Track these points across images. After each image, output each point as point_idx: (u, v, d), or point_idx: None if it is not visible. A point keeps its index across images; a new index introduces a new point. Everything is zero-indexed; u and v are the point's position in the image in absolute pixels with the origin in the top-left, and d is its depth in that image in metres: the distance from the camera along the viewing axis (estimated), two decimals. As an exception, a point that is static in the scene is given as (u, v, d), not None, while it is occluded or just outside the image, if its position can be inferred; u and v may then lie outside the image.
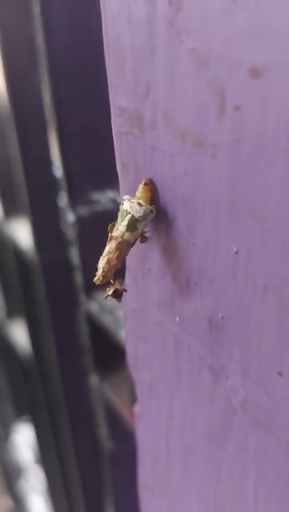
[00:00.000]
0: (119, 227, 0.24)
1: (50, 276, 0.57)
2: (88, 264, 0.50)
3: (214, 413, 0.25)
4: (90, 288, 0.50)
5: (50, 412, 0.75)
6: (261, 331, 0.21)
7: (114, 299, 0.24)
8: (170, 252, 0.25)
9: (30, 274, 0.63)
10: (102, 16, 0.24)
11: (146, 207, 0.24)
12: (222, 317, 0.23)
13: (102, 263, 0.24)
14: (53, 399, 0.71)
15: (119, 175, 0.27)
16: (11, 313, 0.90)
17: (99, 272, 0.24)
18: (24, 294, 0.70)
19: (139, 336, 0.30)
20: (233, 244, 0.21)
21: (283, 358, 0.20)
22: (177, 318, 0.26)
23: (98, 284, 0.24)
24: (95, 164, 0.47)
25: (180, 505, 0.32)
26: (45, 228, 0.55)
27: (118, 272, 0.24)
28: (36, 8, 0.42)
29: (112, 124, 0.26)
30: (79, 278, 0.51)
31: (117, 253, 0.24)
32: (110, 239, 0.24)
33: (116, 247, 0.24)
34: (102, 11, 0.24)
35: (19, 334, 0.83)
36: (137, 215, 0.24)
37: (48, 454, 0.86)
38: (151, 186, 0.24)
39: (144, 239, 0.25)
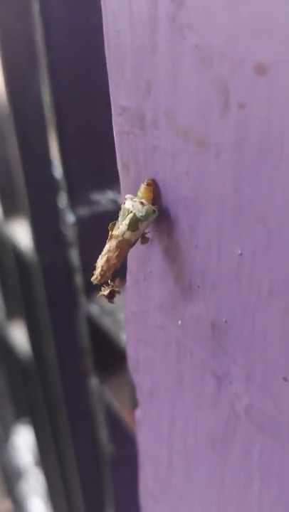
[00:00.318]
0: (120, 226, 0.23)
1: (50, 278, 0.57)
2: (88, 266, 0.49)
3: (217, 419, 0.25)
4: (90, 290, 0.50)
5: (49, 414, 0.75)
6: (266, 335, 0.20)
7: (106, 299, 0.24)
8: (172, 254, 0.24)
9: (30, 275, 0.63)
10: (103, 12, 0.24)
11: (148, 206, 0.23)
12: (226, 321, 0.22)
13: (100, 262, 0.23)
14: (53, 401, 0.70)
15: (120, 175, 0.27)
16: (10, 314, 0.89)
17: (97, 271, 0.23)
18: (24, 295, 0.70)
19: (140, 339, 0.30)
20: (237, 246, 0.20)
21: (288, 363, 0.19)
22: (179, 321, 0.26)
23: (96, 284, 0.24)
24: (95, 164, 0.47)
25: None
26: (45, 229, 0.55)
27: (117, 272, 0.24)
28: (36, 7, 0.42)
29: (113, 123, 0.25)
30: (79, 279, 0.51)
31: (116, 252, 0.23)
32: (110, 237, 0.23)
33: (116, 246, 0.23)
34: (102, 7, 0.24)
35: (19, 336, 0.83)
36: (138, 215, 0.23)
37: (47, 456, 0.85)
38: (154, 187, 0.24)
39: (145, 240, 0.24)
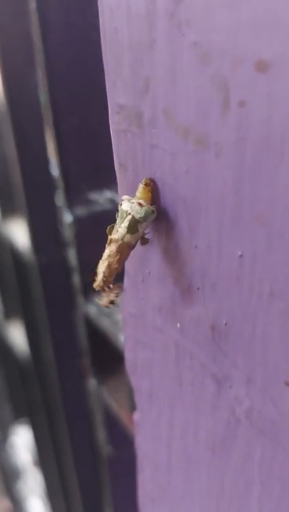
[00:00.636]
0: (119, 229, 0.23)
1: (47, 277, 0.57)
2: (86, 266, 0.49)
3: (217, 423, 0.24)
4: (88, 290, 0.49)
5: (48, 414, 0.74)
6: (267, 338, 0.20)
7: (105, 306, 0.23)
8: (171, 255, 0.24)
9: (28, 274, 0.62)
10: (99, 8, 0.23)
11: (147, 207, 0.23)
12: (226, 323, 0.22)
13: (102, 267, 0.23)
14: (51, 401, 0.70)
15: (118, 174, 0.26)
16: (8, 314, 0.89)
17: (99, 277, 0.23)
18: (21, 295, 0.70)
19: (139, 341, 0.29)
20: (237, 248, 0.20)
21: (290, 367, 0.19)
22: (178, 324, 0.25)
23: (98, 290, 0.23)
24: (92, 163, 0.46)
25: (181, 515, 0.31)
26: (43, 228, 0.54)
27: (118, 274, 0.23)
28: (32, 5, 0.41)
29: (110, 121, 0.25)
30: (76, 280, 0.50)
31: (117, 257, 0.23)
32: (110, 242, 0.23)
33: (116, 251, 0.23)
34: (98, 3, 0.23)
35: (17, 336, 0.82)
36: (137, 216, 0.22)
37: (46, 456, 0.85)
38: (152, 186, 0.23)
39: (144, 241, 0.24)
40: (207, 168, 0.20)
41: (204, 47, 0.18)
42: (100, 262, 0.23)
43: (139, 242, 0.24)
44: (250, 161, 0.18)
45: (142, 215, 0.22)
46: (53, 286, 0.57)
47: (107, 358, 0.51)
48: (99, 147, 0.46)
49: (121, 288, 0.23)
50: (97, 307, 0.48)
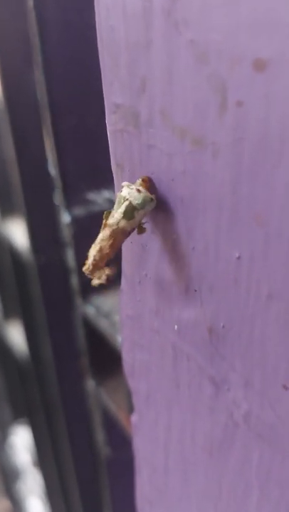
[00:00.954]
0: (115, 214, 0.22)
1: (46, 278, 0.56)
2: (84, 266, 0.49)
3: (215, 426, 0.24)
4: (86, 291, 0.49)
5: (47, 414, 0.74)
6: (265, 341, 0.20)
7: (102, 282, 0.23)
8: (168, 257, 0.24)
9: (26, 275, 0.62)
10: (96, 7, 0.23)
11: (145, 194, 0.22)
12: (223, 326, 0.22)
13: (93, 251, 0.22)
14: (50, 402, 0.70)
15: (114, 175, 0.26)
16: (7, 314, 0.89)
17: (89, 261, 0.22)
18: (20, 295, 0.69)
19: (136, 343, 0.29)
20: (235, 249, 0.20)
21: (288, 370, 0.19)
22: (176, 326, 0.25)
23: (88, 274, 0.22)
24: (90, 163, 0.46)
25: (179, 517, 0.31)
26: (41, 229, 0.54)
27: (110, 262, 0.23)
28: (30, 4, 0.41)
29: (107, 121, 0.25)
30: (75, 281, 0.50)
31: (110, 241, 0.22)
32: (104, 226, 0.22)
33: (110, 235, 0.22)
34: (95, 2, 0.23)
35: (16, 336, 0.82)
36: (135, 202, 0.22)
37: (45, 456, 0.85)
38: (149, 184, 0.23)
39: (141, 229, 0.23)
40: (204, 169, 0.20)
41: (201, 46, 0.18)
42: (92, 245, 0.22)
43: (136, 232, 0.23)
44: (248, 161, 0.18)
45: (140, 201, 0.22)
46: (51, 287, 0.57)
47: (106, 358, 0.51)
48: (97, 147, 0.45)
49: (113, 271, 0.22)
50: (95, 308, 0.48)
